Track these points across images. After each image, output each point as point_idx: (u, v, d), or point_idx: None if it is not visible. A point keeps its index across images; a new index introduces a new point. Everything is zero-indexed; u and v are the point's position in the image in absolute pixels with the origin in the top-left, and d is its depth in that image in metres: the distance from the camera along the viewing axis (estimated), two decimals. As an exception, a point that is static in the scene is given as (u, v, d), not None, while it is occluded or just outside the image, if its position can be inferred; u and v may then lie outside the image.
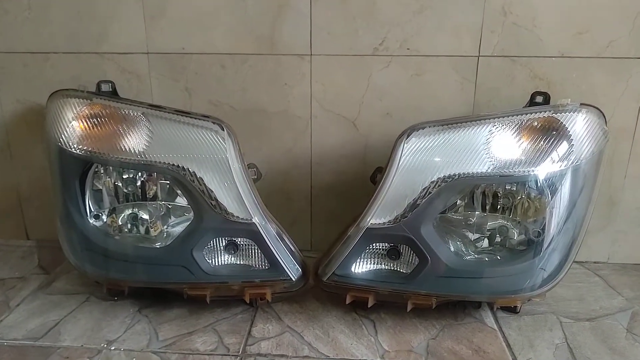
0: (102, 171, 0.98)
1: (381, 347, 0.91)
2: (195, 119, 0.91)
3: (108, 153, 0.92)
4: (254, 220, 0.92)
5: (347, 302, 0.97)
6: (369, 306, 0.96)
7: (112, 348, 0.90)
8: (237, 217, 0.91)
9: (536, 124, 0.89)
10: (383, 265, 0.95)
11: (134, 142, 0.91)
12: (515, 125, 0.89)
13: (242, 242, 0.95)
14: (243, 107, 1.15)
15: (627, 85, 1.08)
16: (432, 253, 0.89)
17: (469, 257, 0.96)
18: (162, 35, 1.11)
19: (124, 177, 1.00)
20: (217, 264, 0.96)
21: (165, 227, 1.03)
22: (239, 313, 1.00)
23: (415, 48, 1.08)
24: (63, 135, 0.93)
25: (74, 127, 0.93)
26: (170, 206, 1.04)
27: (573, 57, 1.07)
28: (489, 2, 1.05)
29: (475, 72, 1.09)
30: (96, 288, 1.05)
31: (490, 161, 0.87)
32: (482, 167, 0.87)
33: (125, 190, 1.01)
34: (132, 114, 0.93)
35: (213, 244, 0.95)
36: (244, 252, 0.96)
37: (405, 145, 0.88)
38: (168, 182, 1.00)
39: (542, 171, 0.88)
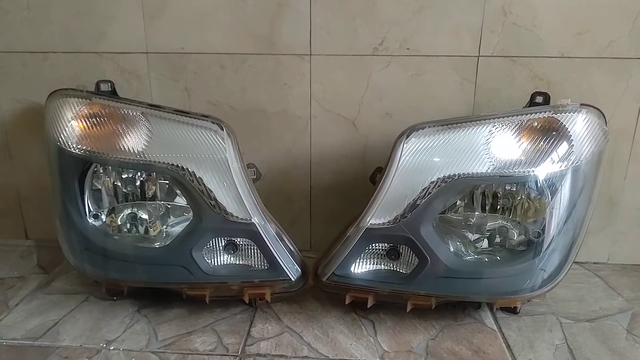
0: (101, 171, 0.98)
1: (380, 348, 0.91)
2: (195, 118, 0.91)
3: (107, 153, 0.92)
4: (253, 220, 0.91)
5: (347, 302, 0.97)
6: (368, 306, 0.96)
7: (111, 348, 0.90)
8: (237, 217, 0.91)
9: (536, 124, 0.89)
10: (382, 266, 0.95)
11: (133, 141, 0.91)
12: (515, 126, 0.89)
13: (241, 242, 0.95)
14: (242, 107, 1.15)
15: (627, 86, 1.07)
16: (432, 253, 0.89)
17: (468, 257, 0.96)
18: (161, 34, 1.11)
19: (123, 176, 1.00)
20: (216, 264, 0.96)
21: (165, 227, 1.03)
22: (238, 313, 1.00)
23: (415, 48, 1.08)
24: (62, 135, 0.92)
25: (73, 126, 0.93)
26: (169, 206, 1.03)
27: (573, 57, 1.06)
28: (489, 2, 1.04)
29: (475, 72, 1.09)
30: (95, 288, 1.05)
31: (490, 161, 0.87)
32: (482, 167, 0.87)
33: (124, 190, 1.01)
34: (131, 114, 0.92)
35: (212, 244, 0.95)
36: (243, 252, 0.96)
37: (405, 145, 0.88)
38: (167, 181, 1.00)
39: (542, 171, 0.88)
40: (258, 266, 0.96)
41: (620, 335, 0.94)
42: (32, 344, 0.91)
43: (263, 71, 1.12)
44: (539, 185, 0.90)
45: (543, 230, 0.91)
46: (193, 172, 0.90)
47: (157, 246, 0.98)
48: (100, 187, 0.99)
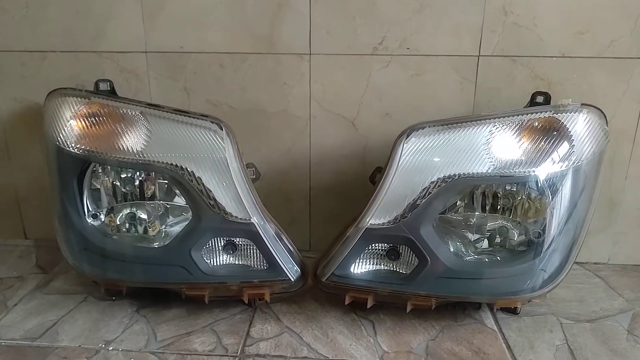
0: (100, 170, 0.98)
1: (380, 348, 0.90)
2: (194, 118, 0.91)
3: (106, 152, 0.91)
4: (252, 220, 0.91)
5: (346, 302, 0.96)
6: (368, 307, 0.95)
7: (110, 348, 0.89)
8: (236, 217, 0.91)
9: (537, 124, 0.89)
10: (382, 266, 0.95)
11: (132, 141, 0.91)
12: (515, 126, 0.89)
13: (240, 242, 0.95)
14: (242, 107, 1.14)
15: (628, 86, 1.07)
16: (432, 254, 0.89)
17: (468, 257, 0.96)
18: (160, 34, 1.11)
19: (122, 176, 1.00)
20: (215, 264, 0.95)
21: (164, 226, 1.02)
22: (238, 313, 0.99)
23: (415, 47, 1.08)
24: (61, 135, 0.92)
25: (71, 126, 0.92)
26: (168, 206, 1.03)
27: (574, 57, 1.06)
28: (489, 1, 1.04)
29: (475, 72, 1.09)
30: (94, 288, 1.05)
31: (491, 161, 0.87)
32: (482, 167, 0.87)
33: (123, 190, 1.01)
34: (130, 113, 0.92)
35: (211, 244, 0.94)
36: (242, 252, 0.96)
37: (405, 145, 0.88)
38: (166, 181, 1.00)
39: (543, 172, 0.87)
40: (257, 266, 0.95)
41: (620, 336, 0.94)
42: (30, 344, 0.90)
43: (263, 71, 1.12)
44: (539, 185, 0.90)
45: (543, 230, 0.90)
46: (192, 171, 0.89)
47: (156, 246, 0.98)
48: (99, 186, 0.99)
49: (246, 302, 0.98)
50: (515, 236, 0.96)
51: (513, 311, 0.99)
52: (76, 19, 1.11)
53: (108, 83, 1.04)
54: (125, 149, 0.91)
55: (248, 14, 1.08)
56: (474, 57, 1.08)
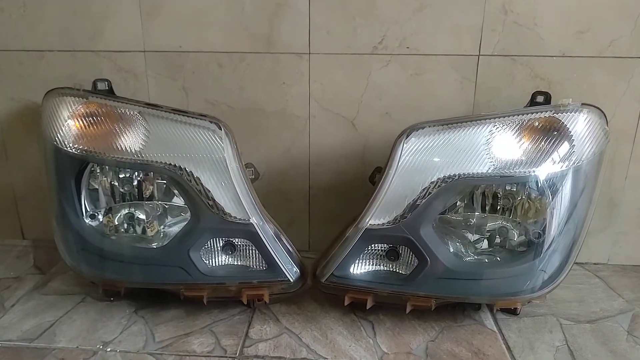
0: (98, 170, 0.98)
1: (380, 349, 0.90)
2: (193, 118, 0.90)
3: (104, 152, 0.91)
4: (251, 221, 0.91)
5: (346, 303, 0.96)
6: (367, 307, 0.95)
7: (108, 349, 0.89)
8: (235, 217, 0.91)
9: (537, 124, 0.89)
10: (382, 267, 0.94)
11: (131, 141, 0.91)
12: (515, 126, 0.89)
13: (239, 243, 0.94)
14: (241, 106, 1.14)
15: (628, 85, 1.07)
16: (432, 254, 0.89)
17: (468, 258, 0.95)
18: (158, 33, 1.10)
19: (121, 176, 0.99)
20: (214, 264, 0.95)
21: (162, 227, 1.02)
22: (237, 314, 0.99)
23: (414, 47, 1.07)
24: (59, 134, 0.92)
25: (69, 125, 0.92)
26: (167, 206, 1.03)
27: (574, 56, 1.06)
28: (489, 0, 1.04)
29: (475, 71, 1.08)
30: (92, 288, 1.04)
31: (491, 161, 0.87)
32: (482, 167, 0.87)
33: (121, 190, 1.00)
34: (128, 113, 0.92)
35: (210, 244, 0.94)
36: (241, 253, 0.95)
37: (405, 145, 0.87)
38: (165, 181, 0.99)
39: (543, 172, 0.87)
40: (256, 267, 0.95)
41: (620, 337, 0.93)
42: (28, 346, 0.90)
43: (261, 70, 1.11)
44: (539, 185, 0.89)
45: (543, 230, 0.90)
46: (191, 171, 0.89)
47: (155, 246, 0.97)
48: (97, 186, 0.99)
49: (245, 302, 0.98)
50: (515, 237, 0.95)
51: (513, 312, 0.99)
52: (74, 18, 1.11)
53: (106, 82, 1.03)
54: (124, 148, 0.90)
55: (247, 13, 1.08)
56: (474, 56, 1.07)
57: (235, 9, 1.08)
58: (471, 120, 0.89)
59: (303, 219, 1.22)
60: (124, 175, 0.99)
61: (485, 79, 1.08)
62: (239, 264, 0.96)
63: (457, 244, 0.96)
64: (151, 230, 1.01)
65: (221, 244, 0.94)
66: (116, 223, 1.00)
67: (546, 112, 0.89)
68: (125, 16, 1.10)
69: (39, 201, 1.23)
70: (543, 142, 0.87)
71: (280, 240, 0.94)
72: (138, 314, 0.99)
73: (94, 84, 1.02)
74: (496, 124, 0.88)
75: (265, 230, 0.92)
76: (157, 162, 0.90)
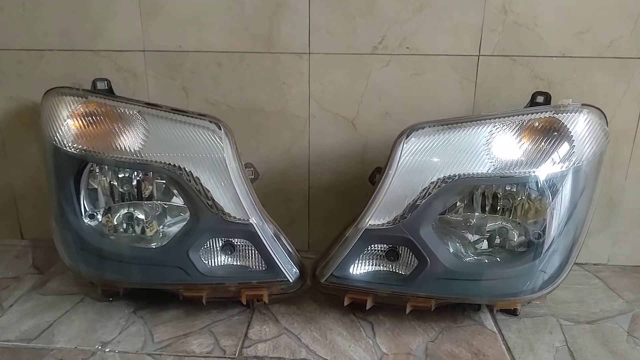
0: (97, 170, 0.97)
1: (379, 350, 0.90)
2: (192, 117, 0.90)
3: (103, 152, 0.91)
4: (251, 221, 0.91)
5: (345, 303, 0.96)
6: (367, 308, 0.95)
7: (107, 350, 0.89)
8: (234, 217, 0.90)
9: (537, 124, 0.89)
10: (382, 267, 0.94)
11: (130, 141, 0.90)
12: (516, 126, 0.89)
13: (238, 243, 0.94)
14: (240, 106, 1.14)
15: (628, 86, 1.07)
16: (431, 254, 0.88)
17: (468, 258, 0.95)
18: (158, 32, 1.10)
19: (120, 176, 0.99)
20: (213, 264, 0.95)
21: (161, 227, 1.02)
22: (236, 315, 0.99)
23: (414, 47, 1.07)
24: (58, 134, 0.91)
25: (68, 125, 0.92)
26: (166, 206, 1.02)
27: (574, 56, 1.06)
28: (489, 1, 1.04)
29: (475, 71, 1.08)
30: (91, 289, 1.04)
31: (491, 162, 0.87)
32: (482, 167, 0.86)
33: (120, 190, 1.00)
34: (127, 113, 0.92)
35: (209, 244, 0.94)
36: (240, 253, 0.95)
37: (405, 145, 0.87)
38: (164, 181, 0.99)
39: (543, 172, 0.87)
40: (255, 267, 0.95)
41: (620, 338, 0.93)
42: (26, 346, 0.89)
43: (261, 70, 1.11)
44: (539, 186, 0.89)
45: (543, 231, 0.90)
46: (190, 171, 0.89)
47: (154, 247, 0.97)
48: (96, 186, 0.98)
49: (244, 303, 0.98)
50: (515, 237, 0.95)
51: (513, 312, 0.99)
52: (73, 17, 1.10)
53: (105, 82, 1.03)
54: (123, 148, 0.90)
55: (246, 13, 1.08)
56: (474, 56, 1.07)
57: (235, 9, 1.08)
58: (471, 120, 0.89)
59: (303, 219, 1.22)
60: (123, 175, 0.99)
61: (485, 79, 1.08)
62: (238, 264, 0.95)
63: (457, 244, 0.96)
64: (150, 230, 1.01)
65: (220, 244, 0.94)
66: (115, 223, 1.00)
67: (546, 112, 0.89)
68: (125, 16, 1.09)
69: (38, 201, 1.23)
70: (543, 143, 0.87)
71: (279, 240, 0.94)
72: (137, 315, 0.98)
73: (94, 83, 1.01)
74: (496, 124, 0.88)
75: (265, 230, 0.92)
76: (156, 161, 0.89)
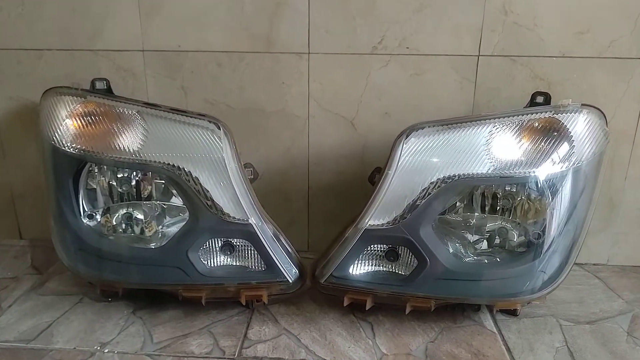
0: (96, 170, 0.97)
1: (379, 350, 0.89)
2: (191, 117, 0.90)
3: (102, 152, 0.90)
4: (250, 221, 0.90)
5: (345, 304, 0.96)
6: (367, 308, 0.95)
7: (106, 350, 0.88)
8: (233, 217, 0.90)
9: (537, 124, 0.88)
10: (381, 267, 0.94)
11: (129, 140, 0.90)
12: (515, 126, 0.89)
13: (238, 243, 0.94)
14: (240, 106, 1.13)
15: (628, 86, 1.07)
16: (431, 255, 0.88)
17: (468, 259, 0.95)
18: (157, 32, 1.10)
19: (119, 176, 0.99)
20: (212, 265, 0.95)
21: (160, 227, 1.01)
22: (235, 315, 0.98)
23: (414, 47, 1.07)
24: (56, 134, 0.91)
25: (67, 125, 0.91)
26: (165, 206, 1.02)
27: (574, 57, 1.06)
28: (489, 1, 1.04)
29: (475, 71, 1.08)
30: (89, 289, 1.04)
31: (491, 162, 0.87)
32: (482, 168, 0.86)
33: (119, 190, 1.00)
34: (126, 112, 0.91)
35: (209, 244, 0.93)
36: (240, 253, 0.95)
37: (405, 145, 0.87)
38: (163, 181, 0.99)
39: (543, 172, 0.87)
40: (255, 267, 0.94)
41: (620, 338, 0.93)
42: (25, 347, 0.89)
43: (261, 70, 1.11)
44: (539, 186, 0.89)
45: (543, 231, 0.90)
46: (189, 171, 0.89)
47: (153, 247, 0.97)
48: (95, 186, 0.98)
49: (244, 303, 0.97)
50: (515, 237, 0.95)
51: (513, 313, 0.99)
52: (73, 17, 1.10)
53: (104, 82, 1.03)
54: (122, 148, 0.90)
55: (246, 12, 1.07)
56: (474, 56, 1.07)
57: (234, 9, 1.07)
58: (471, 120, 0.89)
59: (302, 219, 1.22)
60: (122, 175, 0.99)
61: (485, 79, 1.08)
62: (238, 264, 0.95)
63: (457, 244, 0.96)
64: (149, 231, 1.00)
65: (220, 245, 0.94)
66: (114, 223, 0.99)
67: (546, 112, 0.89)
68: (125, 15, 1.09)
69: (37, 200, 1.23)
70: (543, 143, 0.87)
71: (279, 240, 0.94)
72: (136, 315, 0.98)
73: (93, 83, 1.01)
74: (496, 124, 0.88)
75: (264, 230, 0.92)
76: (155, 161, 0.89)
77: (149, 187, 1.00)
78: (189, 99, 1.14)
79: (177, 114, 0.90)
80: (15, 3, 1.10)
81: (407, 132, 0.88)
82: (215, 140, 0.88)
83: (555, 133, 0.87)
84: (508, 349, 0.90)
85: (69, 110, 0.92)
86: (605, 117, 0.91)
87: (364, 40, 1.07)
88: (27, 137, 1.18)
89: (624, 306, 1.03)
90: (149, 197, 1.01)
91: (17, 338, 0.91)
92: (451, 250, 0.94)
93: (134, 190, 1.00)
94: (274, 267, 0.93)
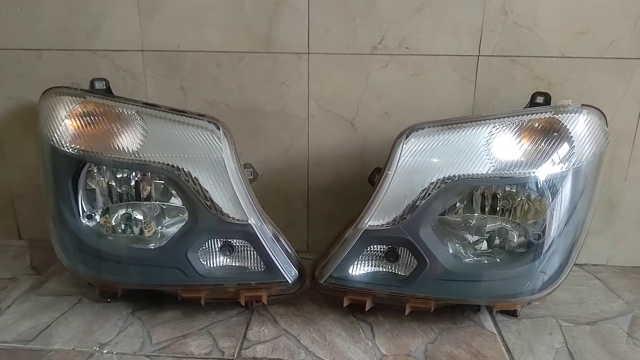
0: (95, 170, 0.97)
1: (379, 351, 0.89)
2: (191, 117, 0.90)
3: (101, 152, 0.90)
4: (249, 221, 0.90)
5: (345, 305, 0.96)
6: (366, 309, 0.95)
7: (105, 351, 0.88)
8: (233, 218, 0.90)
9: (537, 125, 0.88)
10: (381, 268, 0.94)
11: (128, 141, 0.90)
12: (515, 126, 0.88)
13: (237, 244, 0.94)
14: (239, 106, 1.13)
15: (628, 86, 1.07)
16: (431, 255, 0.88)
17: (468, 259, 0.95)
18: (157, 32, 1.10)
19: (118, 176, 0.99)
20: (212, 265, 0.94)
21: (160, 227, 1.01)
22: (234, 316, 0.98)
23: (414, 47, 1.07)
24: (56, 134, 0.91)
25: (66, 125, 0.91)
26: (164, 206, 1.02)
27: (574, 57, 1.05)
28: (489, 1, 1.03)
29: (475, 71, 1.08)
30: (88, 289, 1.03)
31: (491, 162, 0.86)
32: (482, 168, 0.86)
33: (118, 190, 0.99)
34: (126, 113, 0.91)
35: (208, 245, 0.93)
36: (239, 254, 0.94)
37: (405, 145, 0.87)
38: (162, 182, 0.99)
39: (543, 173, 0.87)
40: (254, 268, 0.94)
41: (620, 339, 0.93)
42: (23, 347, 0.89)
43: (260, 70, 1.11)
44: (539, 186, 0.89)
45: (543, 232, 0.90)
46: (189, 172, 0.88)
47: (152, 247, 0.96)
48: (94, 186, 0.98)
49: (243, 304, 0.97)
50: (515, 238, 0.95)
51: (512, 314, 0.98)
52: (72, 16, 1.10)
53: (104, 82, 1.03)
54: (121, 148, 0.89)
55: (246, 12, 1.07)
56: (474, 56, 1.07)
57: (234, 9, 1.07)
58: (471, 121, 0.89)
59: (302, 220, 1.21)
60: (121, 175, 0.99)
61: (485, 79, 1.08)
62: (237, 265, 0.95)
63: (457, 245, 0.96)
64: (148, 231, 1.00)
65: (219, 245, 0.94)
66: (113, 223, 0.99)
67: (546, 113, 0.89)
68: (124, 15, 1.09)
69: (36, 200, 1.22)
70: (543, 143, 0.87)
71: (278, 241, 0.93)
72: (135, 316, 0.98)
73: (92, 83, 1.01)
74: (496, 124, 0.88)
75: (264, 231, 0.92)
76: (154, 162, 0.89)
77: (148, 188, 1.00)
78: (189, 99, 1.14)
79: (177, 114, 0.90)
80: (14, 3, 1.10)
81: (407, 133, 0.88)
82: (215, 140, 0.88)
83: (555, 133, 0.87)
84: (508, 350, 0.90)
85: (68, 110, 0.92)
86: (605, 117, 0.91)
87: (364, 40, 1.07)
88: (26, 137, 1.18)
89: (623, 307, 1.03)
90: (148, 198, 1.01)
91: (15, 339, 0.91)
92: (451, 251, 0.93)
93: (133, 190, 1.00)
94: (273, 267, 0.93)
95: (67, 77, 1.09)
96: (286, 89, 1.12)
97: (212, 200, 0.89)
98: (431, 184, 0.86)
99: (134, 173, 0.99)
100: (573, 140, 0.87)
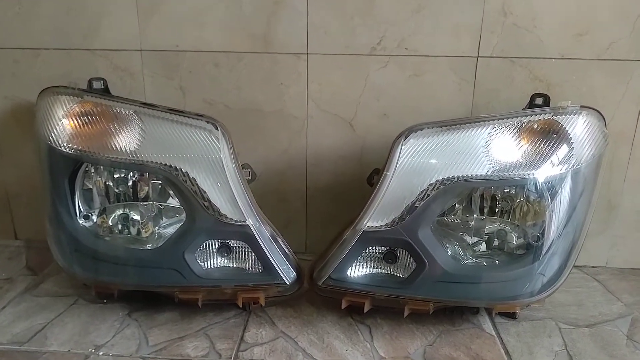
0: (92, 170, 0.96)
1: (377, 354, 0.89)
2: (189, 118, 0.89)
3: (99, 152, 0.90)
4: (247, 222, 0.90)
5: (343, 306, 0.95)
6: (365, 311, 0.94)
7: (100, 353, 0.87)
8: (231, 218, 0.89)
9: (536, 126, 0.88)
10: (379, 269, 0.93)
11: (126, 141, 0.89)
12: (514, 128, 0.88)
13: (235, 245, 0.93)
14: (238, 106, 1.13)
15: (627, 88, 1.07)
16: (430, 257, 0.88)
17: (467, 261, 0.94)
18: (155, 32, 1.09)
19: (115, 176, 0.98)
20: (209, 266, 0.94)
21: (157, 228, 1.01)
22: (232, 317, 0.98)
23: (413, 48, 1.07)
24: (53, 134, 0.91)
25: (64, 125, 0.91)
26: (162, 207, 1.01)
27: (573, 58, 1.05)
28: (488, 2, 1.03)
29: (474, 73, 1.08)
30: (84, 290, 1.03)
31: (490, 164, 0.86)
32: (481, 169, 0.86)
33: (116, 190, 0.99)
34: (124, 112, 0.91)
35: (205, 246, 0.93)
36: (237, 255, 0.94)
37: (404, 146, 0.87)
38: (160, 182, 0.98)
39: (542, 174, 0.86)
40: (252, 269, 0.94)
41: (620, 341, 0.93)
42: (18, 349, 0.88)
43: (259, 70, 1.10)
44: (538, 188, 0.89)
45: (542, 233, 0.89)
46: (186, 172, 0.88)
47: (149, 248, 0.96)
48: (91, 187, 0.97)
49: (240, 305, 0.97)
50: (514, 239, 0.95)
51: (511, 316, 0.98)
52: (69, 16, 1.10)
53: (102, 81, 1.03)
54: (119, 148, 0.89)
55: (244, 12, 1.07)
56: (473, 57, 1.07)
57: (232, 8, 1.07)
58: (470, 122, 0.89)
59: (300, 221, 1.21)
60: (118, 175, 0.98)
61: (484, 80, 1.08)
62: (235, 266, 0.94)
63: (456, 246, 0.96)
64: (146, 232, 1.00)
65: (217, 246, 0.93)
66: (110, 224, 0.99)
67: (545, 114, 0.89)
68: (122, 15, 1.09)
69: (32, 200, 1.22)
70: (542, 145, 0.87)
71: (276, 242, 0.93)
72: (131, 317, 0.97)
73: (90, 82, 1.01)
74: (495, 126, 0.88)
75: (262, 232, 0.91)
76: (152, 162, 0.89)
77: (146, 188, 1.00)
78: (187, 99, 1.13)
79: (175, 114, 0.89)
80: (12, 2, 1.10)
81: (405, 134, 0.88)
82: (213, 140, 0.88)
83: (555, 135, 0.87)
84: (507, 353, 0.89)
85: (65, 110, 0.91)
86: (604, 118, 0.91)
87: (363, 41, 1.07)
88: (23, 136, 1.18)
89: (623, 309, 1.03)
90: (146, 198, 1.00)
91: (10, 340, 0.90)
92: (450, 253, 0.93)
93: (131, 190, 0.99)
94: (271, 269, 0.92)
95: (65, 76, 1.09)
96: (285, 89, 1.11)
97: (209, 201, 0.88)
98: (430, 185, 0.86)
99: (131, 173, 0.98)
100: (572, 142, 0.87)
